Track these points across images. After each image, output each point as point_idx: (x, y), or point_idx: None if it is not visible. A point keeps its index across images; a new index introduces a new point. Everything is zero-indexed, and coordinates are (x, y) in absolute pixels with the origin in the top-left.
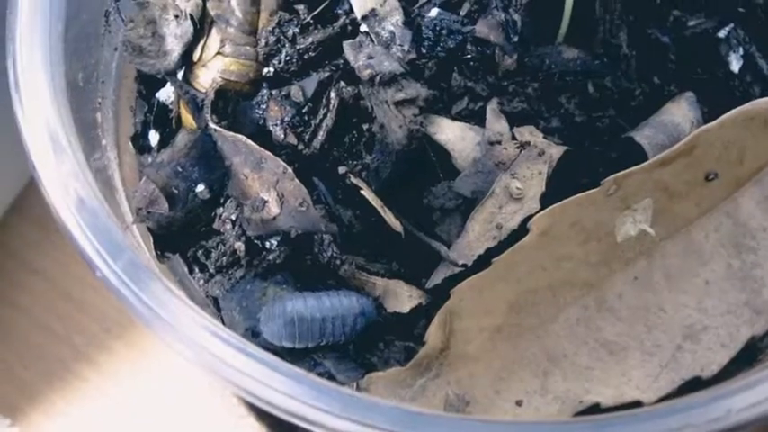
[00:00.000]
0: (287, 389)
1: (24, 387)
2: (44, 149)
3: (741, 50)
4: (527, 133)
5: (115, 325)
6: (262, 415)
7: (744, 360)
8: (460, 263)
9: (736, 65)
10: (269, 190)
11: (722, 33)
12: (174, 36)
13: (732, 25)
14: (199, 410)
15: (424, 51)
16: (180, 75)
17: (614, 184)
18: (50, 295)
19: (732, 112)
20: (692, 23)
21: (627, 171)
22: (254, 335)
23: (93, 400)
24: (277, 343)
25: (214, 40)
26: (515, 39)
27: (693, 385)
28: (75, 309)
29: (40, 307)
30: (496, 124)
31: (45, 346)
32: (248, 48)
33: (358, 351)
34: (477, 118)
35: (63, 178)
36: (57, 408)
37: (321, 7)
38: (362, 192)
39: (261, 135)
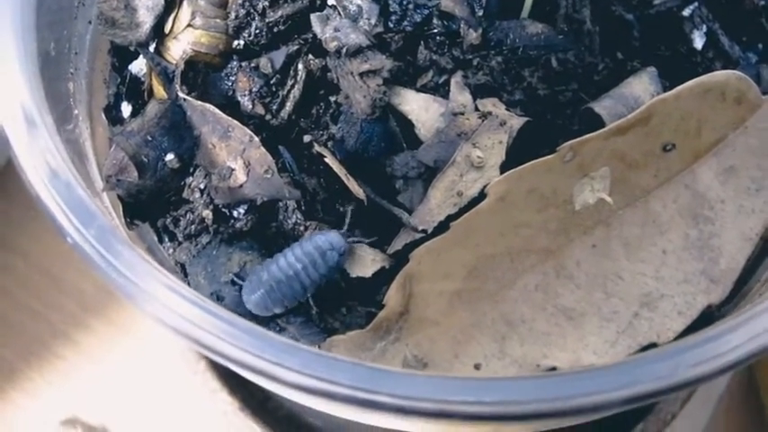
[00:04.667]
0: (246, 344)
1: (2, 365)
2: (15, 120)
3: (704, 28)
4: (490, 105)
5: (94, 303)
6: (234, 390)
7: (700, 328)
8: (421, 228)
9: (699, 42)
10: (236, 158)
11: (687, 11)
12: (146, 8)
13: (696, 3)
14: (173, 387)
15: (391, 25)
16: (152, 47)
17: (570, 151)
18: (29, 274)
19: (689, 83)
20: (656, 1)
21: (583, 138)
22: (218, 299)
23: (71, 377)
24: (268, 314)
25: (185, 12)
26: (480, 13)
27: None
28: (53, 287)
29: (19, 285)
30: (460, 96)
31: (23, 324)
32: (218, 20)
33: (321, 316)
34: (441, 90)
35: (35, 151)
36: (34, 385)
37: None
38: (326, 160)
39: (230, 106)
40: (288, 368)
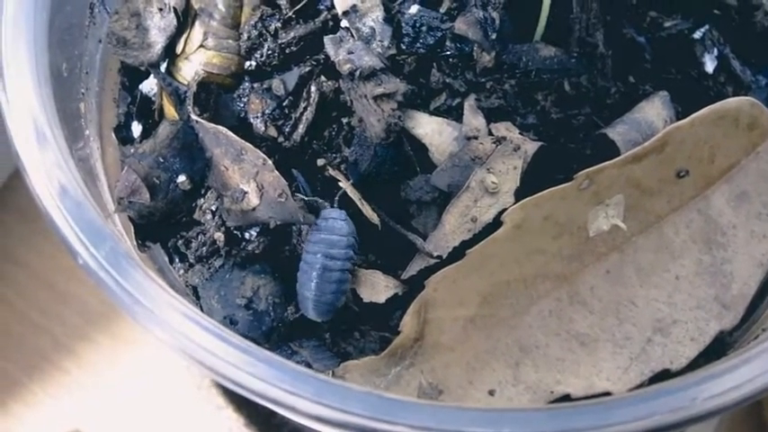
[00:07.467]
0: (260, 373)
1: (4, 378)
2: (28, 138)
3: (716, 51)
4: (503, 129)
5: (96, 316)
6: (239, 406)
7: (713, 354)
8: (435, 254)
9: (710, 65)
10: (249, 181)
11: (697, 34)
12: (158, 28)
13: (707, 26)
14: (177, 402)
15: (404, 47)
16: (163, 67)
17: (587, 179)
18: (33, 287)
19: (703, 110)
20: (668, 24)
21: (599, 166)
22: (231, 323)
23: (73, 390)
24: (334, 312)
25: (197, 33)
26: (493, 36)
27: (663, 378)
28: (57, 300)
29: (23, 298)
30: (473, 120)
31: (25, 337)
32: (231, 41)
33: (334, 340)
34: (454, 113)
35: (46, 167)
36: (37, 399)
37: (303, 2)
38: (340, 184)
39: (242, 127)
40: (300, 397)
